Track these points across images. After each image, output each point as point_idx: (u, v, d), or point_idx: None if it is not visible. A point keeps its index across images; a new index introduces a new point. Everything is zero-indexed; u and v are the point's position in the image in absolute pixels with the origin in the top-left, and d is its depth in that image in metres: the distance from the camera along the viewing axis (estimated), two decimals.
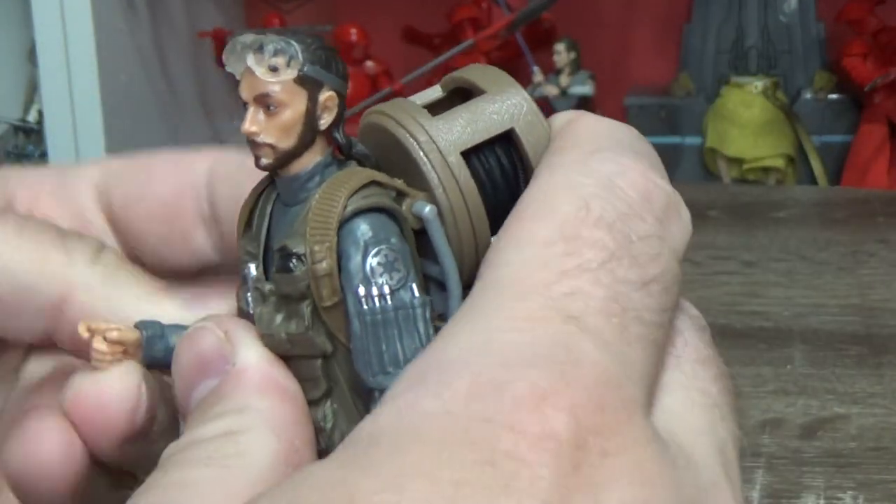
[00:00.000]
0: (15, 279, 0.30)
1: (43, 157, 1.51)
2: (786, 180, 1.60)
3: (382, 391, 0.23)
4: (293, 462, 0.24)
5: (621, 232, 0.24)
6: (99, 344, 0.27)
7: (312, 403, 0.26)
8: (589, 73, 1.63)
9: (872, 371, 0.66)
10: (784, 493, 0.54)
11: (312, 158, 0.26)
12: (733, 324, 0.73)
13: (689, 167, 1.64)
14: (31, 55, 1.49)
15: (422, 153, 0.25)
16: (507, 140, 0.26)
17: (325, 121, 0.25)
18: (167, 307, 0.31)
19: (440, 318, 0.25)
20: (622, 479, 0.21)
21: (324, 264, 0.24)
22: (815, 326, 0.73)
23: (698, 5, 1.68)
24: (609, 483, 0.20)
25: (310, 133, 0.25)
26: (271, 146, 0.25)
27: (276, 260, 0.25)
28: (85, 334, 0.27)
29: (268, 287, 0.26)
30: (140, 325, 0.28)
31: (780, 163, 1.59)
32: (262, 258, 0.27)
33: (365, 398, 0.25)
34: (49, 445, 0.28)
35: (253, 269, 0.27)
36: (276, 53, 0.25)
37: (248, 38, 0.25)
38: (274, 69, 0.25)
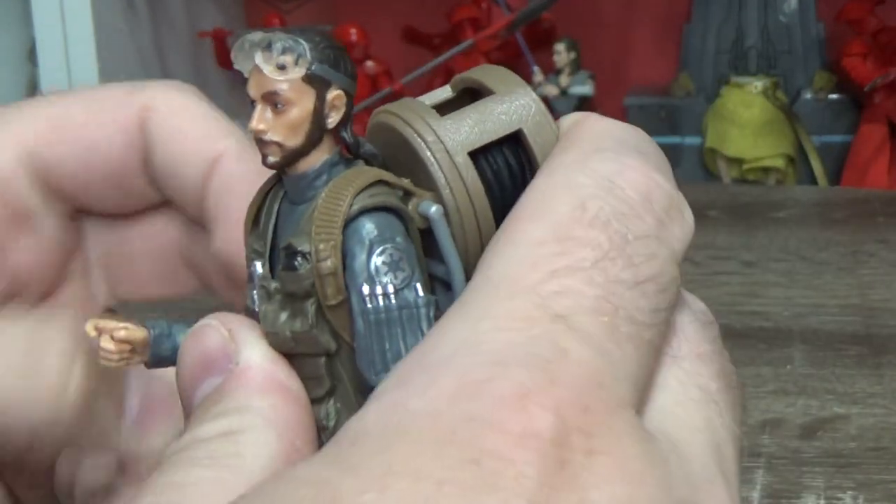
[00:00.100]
0: None
1: None
2: (786, 180, 1.61)
3: None
4: (294, 462, 0.24)
5: (617, 232, 0.23)
6: (106, 343, 0.27)
7: (316, 402, 0.26)
8: (589, 73, 1.63)
9: (872, 371, 0.66)
10: (784, 493, 0.54)
11: (320, 157, 0.26)
12: (733, 324, 0.73)
13: (688, 167, 1.64)
14: (31, 55, 1.49)
15: (429, 153, 0.25)
16: (515, 141, 0.26)
17: (332, 119, 0.25)
18: None
19: None
20: (608, 478, 0.20)
21: (328, 263, 0.25)
22: (814, 326, 0.73)
23: (698, 5, 1.69)
24: (595, 482, 0.20)
25: (317, 132, 0.25)
26: (279, 144, 0.25)
27: (282, 258, 0.26)
28: (92, 333, 0.27)
29: (273, 285, 0.26)
30: (147, 324, 0.28)
31: (780, 163, 1.60)
32: (268, 256, 0.27)
33: (368, 397, 0.25)
34: None
35: (259, 266, 0.27)
36: (284, 51, 0.25)
37: (257, 35, 0.25)
38: (282, 67, 0.25)
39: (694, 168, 1.65)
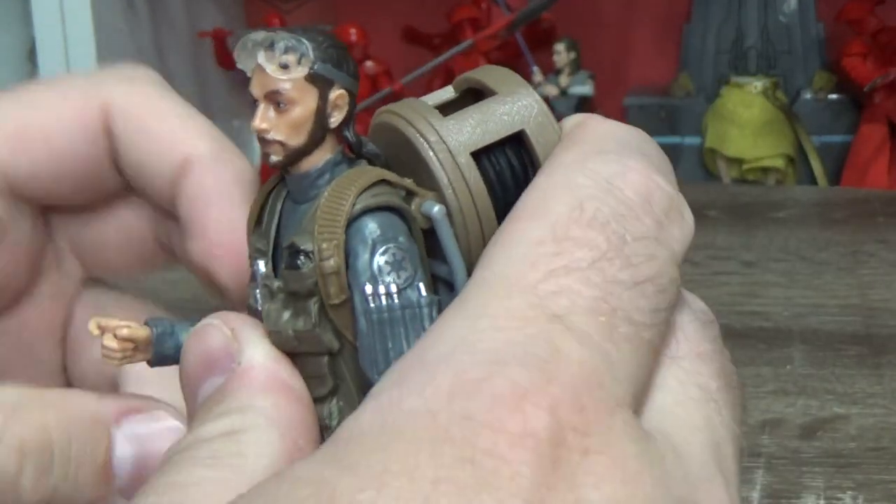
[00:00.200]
0: None
1: None
2: (785, 180, 1.61)
3: None
4: (291, 463, 0.24)
5: (615, 232, 0.24)
6: (109, 341, 0.27)
7: (318, 401, 0.26)
8: (589, 73, 1.63)
9: (872, 371, 0.66)
10: (784, 493, 0.54)
11: (322, 156, 0.26)
12: (733, 324, 0.73)
13: (688, 167, 1.64)
14: (31, 55, 1.49)
15: (432, 153, 0.25)
16: (517, 141, 0.26)
17: (335, 119, 0.25)
18: None
19: None
20: (604, 477, 0.21)
21: (331, 262, 0.25)
22: (814, 326, 0.73)
23: (698, 5, 1.69)
24: (591, 481, 0.20)
25: (320, 131, 0.25)
26: (281, 143, 0.25)
27: (285, 257, 0.26)
28: (95, 332, 0.27)
29: (276, 284, 0.26)
30: (150, 323, 0.28)
31: (779, 163, 1.60)
32: (271, 255, 0.27)
33: None
34: None
35: (262, 265, 0.27)
36: (286, 51, 0.25)
37: (260, 35, 0.25)
38: (285, 66, 0.25)
39: (694, 168, 1.65)
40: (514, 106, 0.26)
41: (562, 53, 1.62)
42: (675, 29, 1.71)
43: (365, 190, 0.25)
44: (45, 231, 0.35)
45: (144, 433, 0.29)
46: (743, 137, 1.60)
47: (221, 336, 0.26)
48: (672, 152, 1.60)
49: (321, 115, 0.25)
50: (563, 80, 1.62)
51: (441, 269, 0.26)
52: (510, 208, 0.25)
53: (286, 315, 0.26)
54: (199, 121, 0.33)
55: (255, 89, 0.25)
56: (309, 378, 0.26)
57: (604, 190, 0.24)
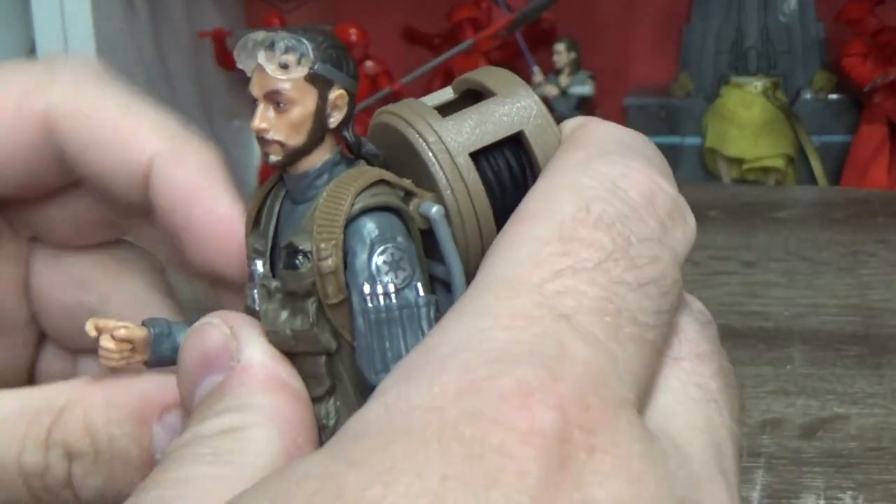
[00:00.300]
0: None
1: None
2: (786, 180, 1.61)
3: None
4: (296, 459, 0.24)
5: (620, 234, 0.24)
6: (107, 342, 0.27)
7: (316, 400, 0.26)
8: (589, 73, 1.63)
9: (872, 371, 0.66)
10: (784, 493, 0.54)
11: (321, 156, 0.26)
12: (733, 324, 0.73)
13: (688, 167, 1.64)
14: (31, 55, 1.49)
15: (430, 154, 0.26)
16: (516, 142, 0.26)
17: (334, 119, 0.26)
18: None
19: None
20: (609, 476, 0.21)
21: (329, 261, 0.25)
22: (814, 326, 0.73)
23: (698, 5, 1.68)
24: (597, 480, 0.21)
25: (319, 131, 0.25)
26: (280, 143, 0.25)
27: (283, 257, 0.26)
28: (93, 332, 0.28)
29: (274, 284, 0.26)
30: (148, 323, 0.28)
31: (779, 163, 1.60)
32: (269, 255, 0.27)
33: (367, 396, 0.25)
34: None
35: (260, 265, 0.27)
36: (287, 51, 0.25)
37: (260, 34, 0.25)
38: (284, 66, 0.25)
39: (694, 168, 1.65)
40: (513, 107, 0.26)
41: (562, 53, 1.62)
42: (675, 29, 1.71)
43: (364, 190, 0.25)
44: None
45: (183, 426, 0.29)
46: (743, 137, 1.60)
47: (220, 334, 0.26)
48: (672, 152, 1.60)
49: (320, 115, 0.25)
50: (563, 80, 1.62)
51: (439, 269, 0.26)
52: (509, 209, 0.25)
53: (284, 315, 0.26)
54: (152, 116, 0.32)
55: (255, 89, 0.25)
56: (306, 378, 0.26)
57: (609, 191, 0.24)
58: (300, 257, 0.25)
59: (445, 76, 1.61)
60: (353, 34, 1.60)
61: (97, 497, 0.28)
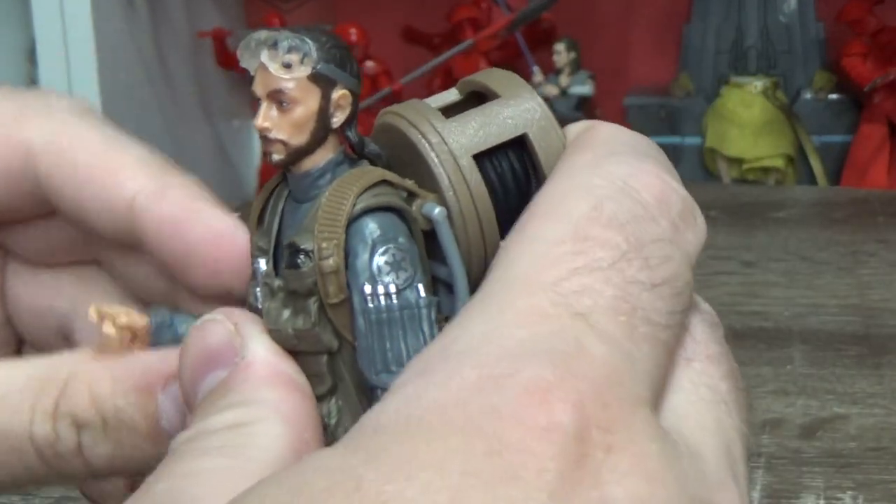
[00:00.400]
0: None
1: None
2: (786, 180, 1.61)
3: (384, 389, 0.23)
4: (303, 454, 0.24)
5: (633, 234, 0.24)
6: (108, 328, 0.28)
7: (318, 399, 0.26)
8: (589, 73, 1.63)
9: (872, 371, 0.66)
10: (784, 493, 0.54)
11: (324, 156, 0.26)
12: (733, 324, 0.73)
13: (688, 167, 1.64)
14: (31, 55, 1.49)
15: (433, 155, 0.26)
16: (519, 145, 0.26)
17: (337, 119, 0.26)
18: None
19: (446, 320, 0.25)
20: (627, 475, 0.21)
21: (331, 261, 0.25)
22: (814, 326, 0.73)
23: (698, 5, 1.69)
24: (613, 478, 0.21)
25: (322, 130, 0.25)
26: (283, 142, 0.25)
27: (285, 256, 0.26)
28: (94, 318, 0.28)
29: (276, 282, 0.26)
30: (150, 312, 0.28)
31: (779, 163, 1.60)
32: (272, 254, 0.27)
33: (368, 396, 0.25)
34: None
35: (263, 264, 0.27)
36: (290, 50, 0.25)
37: (263, 34, 0.25)
38: (288, 66, 0.25)
39: (694, 168, 1.65)
40: (517, 109, 0.26)
41: (562, 53, 1.62)
42: (674, 29, 1.71)
43: (366, 190, 0.25)
44: None
45: None
46: (743, 137, 1.60)
47: (224, 331, 0.26)
48: (672, 152, 1.60)
49: (323, 114, 0.25)
50: (563, 80, 1.62)
51: (441, 270, 0.26)
52: (511, 211, 0.25)
53: (286, 313, 0.26)
54: (136, 153, 0.31)
55: (258, 88, 0.25)
56: (308, 377, 0.26)
57: (620, 191, 0.24)
58: (302, 256, 0.25)
59: (445, 76, 1.61)
60: (353, 34, 1.60)
61: (108, 464, 0.28)
